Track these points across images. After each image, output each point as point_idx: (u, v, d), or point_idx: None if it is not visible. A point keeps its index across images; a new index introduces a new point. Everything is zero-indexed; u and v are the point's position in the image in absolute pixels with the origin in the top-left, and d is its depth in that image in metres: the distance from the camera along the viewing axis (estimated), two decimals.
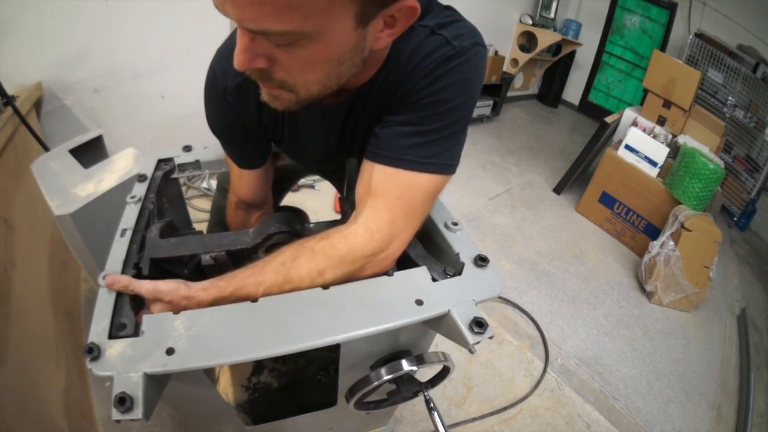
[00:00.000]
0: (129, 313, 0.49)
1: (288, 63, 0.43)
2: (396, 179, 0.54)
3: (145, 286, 0.52)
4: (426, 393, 0.63)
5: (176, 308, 0.51)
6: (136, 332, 0.47)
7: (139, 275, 0.57)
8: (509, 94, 3.78)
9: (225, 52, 0.59)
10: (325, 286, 0.53)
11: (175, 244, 0.62)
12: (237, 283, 0.52)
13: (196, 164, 0.89)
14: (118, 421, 0.38)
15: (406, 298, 0.53)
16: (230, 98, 0.60)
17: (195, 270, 0.64)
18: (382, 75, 0.54)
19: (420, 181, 0.54)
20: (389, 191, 0.54)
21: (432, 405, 0.62)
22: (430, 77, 0.51)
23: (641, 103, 2.52)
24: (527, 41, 3.57)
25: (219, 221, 1.02)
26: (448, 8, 0.55)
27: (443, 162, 0.54)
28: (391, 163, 0.54)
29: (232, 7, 0.36)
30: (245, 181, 0.76)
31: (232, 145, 0.71)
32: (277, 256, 0.54)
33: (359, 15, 0.40)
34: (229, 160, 0.74)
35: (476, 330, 0.49)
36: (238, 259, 0.65)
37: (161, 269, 0.61)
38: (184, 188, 2.06)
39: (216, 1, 0.37)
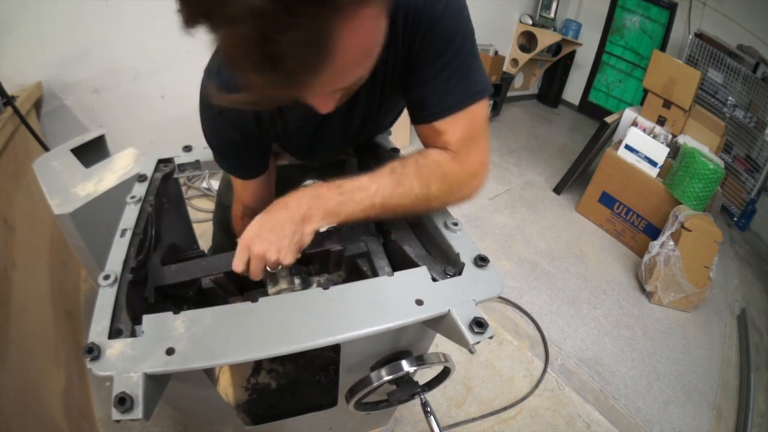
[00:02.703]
0: (125, 319, 0.49)
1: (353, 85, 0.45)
2: (456, 121, 0.59)
3: (238, 250, 0.55)
4: (422, 396, 0.63)
5: (274, 230, 0.53)
6: (132, 334, 0.47)
7: (145, 304, 0.58)
8: (509, 94, 3.78)
9: (213, 72, 0.60)
10: (335, 283, 0.54)
11: (175, 270, 0.63)
12: (348, 181, 0.57)
13: (196, 164, 0.89)
14: (118, 421, 0.38)
15: (406, 298, 0.53)
16: (228, 115, 0.62)
17: (198, 292, 0.64)
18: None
19: (473, 111, 0.59)
20: (456, 131, 0.59)
21: (429, 409, 0.62)
22: (432, 23, 0.53)
23: (641, 103, 2.52)
24: (527, 41, 3.57)
25: (224, 237, 1.03)
26: None
27: (480, 88, 0.59)
28: (447, 113, 0.58)
29: (332, 82, 0.38)
30: (249, 190, 0.77)
31: (233, 159, 0.71)
32: (383, 168, 0.58)
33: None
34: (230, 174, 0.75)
35: (476, 330, 0.49)
36: (238, 278, 0.65)
37: (165, 294, 0.62)
38: (184, 188, 2.06)
39: (301, 93, 0.38)
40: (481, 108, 0.60)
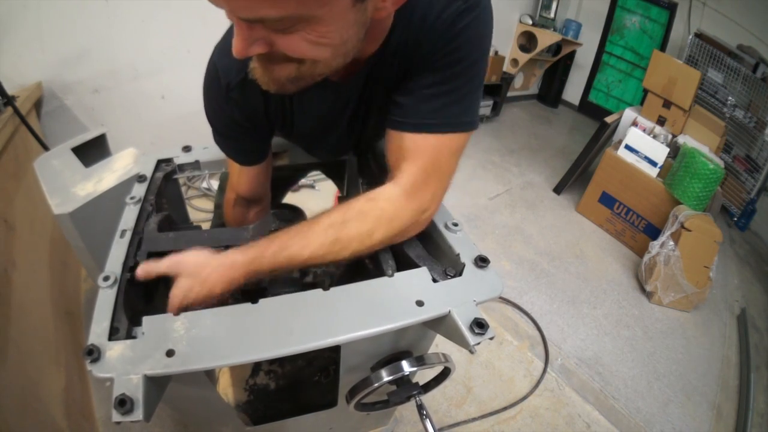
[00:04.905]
0: (122, 318, 0.49)
1: (288, 47, 0.41)
2: (425, 143, 0.55)
3: (164, 263, 0.51)
4: (418, 399, 0.62)
5: (206, 280, 0.50)
6: (129, 335, 0.47)
7: (144, 300, 0.57)
8: (509, 94, 3.78)
9: (225, 48, 0.58)
10: (327, 287, 0.53)
11: (173, 238, 0.62)
12: (280, 244, 0.52)
13: (196, 164, 0.89)
14: (119, 422, 0.38)
15: (406, 299, 0.53)
16: (234, 94, 0.60)
17: None
18: (393, 42, 0.53)
19: (447, 141, 0.55)
20: (420, 155, 0.55)
21: (424, 412, 0.61)
22: (448, 35, 0.51)
23: (641, 103, 2.52)
24: (527, 41, 3.57)
25: (221, 222, 1.03)
26: None
27: (466, 120, 0.55)
28: (419, 130, 0.55)
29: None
30: (245, 178, 0.76)
31: (234, 141, 0.70)
32: (322, 219, 0.54)
33: None
34: (227, 159, 0.74)
35: (477, 331, 0.49)
36: None
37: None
38: (184, 188, 2.06)
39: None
40: (458, 140, 0.56)
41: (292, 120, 0.67)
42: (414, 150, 0.56)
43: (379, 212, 0.54)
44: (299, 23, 0.38)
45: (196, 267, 0.51)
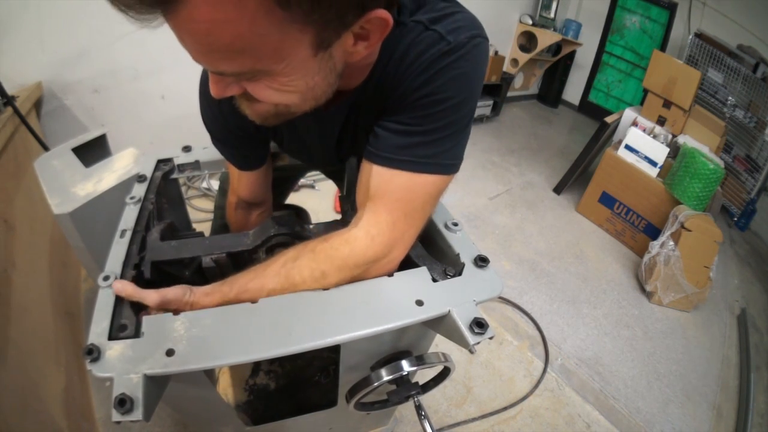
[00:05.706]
0: (130, 314, 0.49)
1: (255, 93, 0.42)
2: (394, 181, 0.52)
3: (152, 297, 0.51)
4: (416, 399, 0.62)
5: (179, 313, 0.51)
6: (137, 333, 0.47)
7: (140, 277, 0.57)
8: (509, 94, 3.78)
9: None
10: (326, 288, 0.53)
11: (176, 246, 0.62)
12: (240, 287, 0.52)
13: (196, 164, 0.89)
14: (119, 422, 0.38)
15: (406, 299, 0.53)
16: (224, 107, 0.61)
17: (196, 272, 0.64)
18: (375, 76, 0.52)
19: (419, 182, 0.52)
20: (388, 194, 0.52)
21: (423, 412, 0.61)
22: (425, 76, 0.48)
23: (641, 103, 2.52)
24: (527, 41, 3.57)
25: (222, 222, 1.03)
26: None
27: (443, 162, 0.52)
28: (389, 164, 0.52)
29: (187, 50, 0.36)
30: (244, 182, 0.76)
31: (230, 148, 0.71)
32: (278, 258, 0.54)
33: (316, 43, 0.37)
34: (227, 162, 0.75)
35: (477, 330, 0.49)
36: (238, 260, 0.65)
37: (162, 271, 0.61)
38: (183, 188, 2.06)
39: (178, 39, 0.36)
40: (434, 183, 0.52)
41: (282, 138, 0.68)
42: (382, 187, 0.53)
43: (333, 252, 0.52)
44: (259, 74, 0.39)
45: (179, 303, 0.52)
